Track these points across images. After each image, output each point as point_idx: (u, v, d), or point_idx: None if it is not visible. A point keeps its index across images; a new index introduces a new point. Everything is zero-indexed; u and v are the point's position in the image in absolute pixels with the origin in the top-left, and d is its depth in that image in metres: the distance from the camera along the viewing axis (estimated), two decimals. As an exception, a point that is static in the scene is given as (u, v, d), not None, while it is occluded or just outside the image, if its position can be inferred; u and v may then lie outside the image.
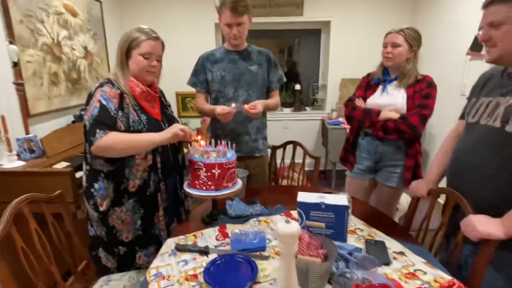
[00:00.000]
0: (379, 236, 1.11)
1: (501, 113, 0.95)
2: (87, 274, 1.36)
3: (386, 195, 1.63)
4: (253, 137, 1.73)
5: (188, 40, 3.58)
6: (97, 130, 1.14)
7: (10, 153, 1.72)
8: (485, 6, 0.97)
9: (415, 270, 0.92)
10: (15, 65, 1.87)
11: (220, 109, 1.50)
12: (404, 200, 2.13)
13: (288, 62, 4.76)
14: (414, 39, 1.50)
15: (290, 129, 3.93)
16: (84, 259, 1.34)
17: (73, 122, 2.49)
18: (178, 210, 1.48)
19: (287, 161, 2.12)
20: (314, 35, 4.01)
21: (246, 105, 1.52)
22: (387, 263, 0.95)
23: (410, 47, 1.50)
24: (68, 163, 1.87)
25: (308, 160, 2.00)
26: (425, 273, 0.91)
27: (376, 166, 1.63)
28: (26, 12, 2.06)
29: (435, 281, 0.88)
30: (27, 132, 1.99)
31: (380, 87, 1.60)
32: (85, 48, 2.78)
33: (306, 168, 2.14)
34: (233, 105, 1.51)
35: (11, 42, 1.87)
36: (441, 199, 1.19)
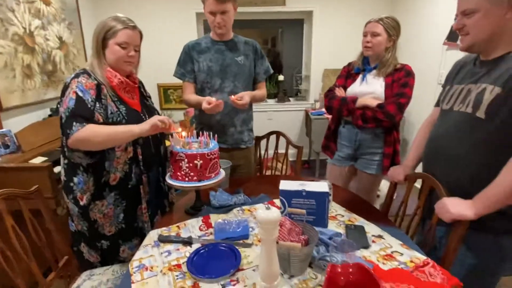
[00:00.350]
0: (359, 221, 1.15)
1: (472, 99, 0.98)
2: (69, 270, 1.34)
3: (366, 182, 1.67)
4: (239, 129, 1.73)
5: (169, 31, 3.49)
6: (74, 123, 1.11)
7: (-17, 148, 1.65)
8: None
9: (392, 252, 0.96)
10: (-16, 56, 1.77)
11: (205, 103, 1.46)
12: (385, 186, 2.19)
13: (271, 52, 4.75)
14: (393, 28, 1.53)
15: (274, 120, 3.94)
16: (65, 255, 1.32)
17: (49, 115, 2.41)
18: (162, 203, 1.47)
19: (271, 151, 2.14)
20: (297, 26, 4.00)
21: (233, 96, 1.51)
22: (366, 246, 0.98)
23: (389, 36, 1.53)
24: (45, 158, 1.81)
25: (292, 150, 2.01)
26: (401, 254, 0.95)
27: (355, 153, 1.67)
28: (-6, 0, 1.96)
29: (411, 261, 0.92)
30: (0, 127, 1.90)
31: (360, 76, 1.63)
32: (60, 38, 2.67)
33: (290, 159, 2.17)
34: (215, 98, 1.48)
35: (-22, 32, 1.77)
36: (418, 184, 1.24)
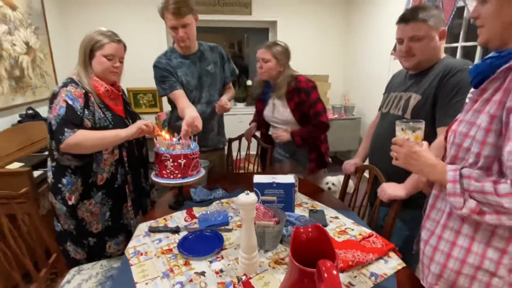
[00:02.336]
0: (320, 206, 1.38)
1: (402, 104, 1.25)
2: (57, 267, 1.42)
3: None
4: (216, 131, 1.88)
5: (137, 35, 3.54)
6: (65, 129, 1.21)
7: (-44, 155, 1.65)
8: (405, 22, 1.18)
9: (345, 229, 1.20)
10: (-46, 63, 1.77)
11: (183, 132, 1.41)
12: (337, 181, 2.46)
13: (238, 57, 4.92)
14: (280, 53, 1.72)
15: (244, 122, 4.12)
16: (54, 253, 1.39)
17: (19, 122, 2.39)
18: (145, 201, 1.60)
19: (242, 153, 2.32)
20: (263, 32, 4.24)
21: (217, 104, 1.67)
22: (325, 225, 1.21)
23: (278, 61, 1.72)
24: (22, 164, 1.84)
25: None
26: (352, 229, 1.19)
27: (291, 158, 1.94)
28: (-40, 6, 1.94)
29: (360, 234, 1.15)
30: (-29, 134, 1.89)
31: (264, 98, 1.89)
32: (27, 43, 2.65)
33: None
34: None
35: None
36: (367, 174, 1.50)
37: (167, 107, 3.82)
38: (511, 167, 0.64)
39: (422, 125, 0.90)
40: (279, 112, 1.79)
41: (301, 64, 4.22)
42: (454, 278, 0.77)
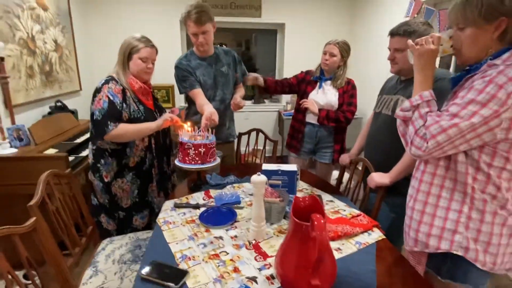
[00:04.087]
0: (318, 192, 1.60)
1: (391, 105, 1.47)
2: (92, 238, 1.66)
3: (322, 170, 2.17)
4: (228, 126, 2.12)
5: (153, 35, 3.72)
6: (109, 122, 1.46)
7: (4, 141, 1.90)
8: (392, 35, 1.43)
9: (338, 209, 1.42)
10: (2, 59, 2.01)
11: (203, 125, 1.64)
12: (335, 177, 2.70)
13: (245, 55, 5.12)
14: (345, 51, 2.01)
15: (251, 119, 4.35)
16: (90, 225, 1.64)
17: (49, 113, 2.64)
18: (166, 184, 1.84)
19: (250, 148, 2.55)
20: (270, 32, 4.44)
21: (232, 102, 1.91)
22: (322, 206, 1.43)
23: (342, 57, 2.00)
24: (56, 150, 2.09)
25: (268, 147, 2.45)
26: (344, 210, 1.41)
27: (314, 148, 2.16)
28: (4, 8, 2.18)
29: (350, 214, 1.38)
30: (13, 122, 2.14)
31: (318, 83, 2.11)
32: (55, 41, 2.90)
33: (266, 154, 2.60)
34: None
35: (-4, 38, 2.00)
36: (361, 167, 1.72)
37: (179, 103, 4.07)
38: (440, 114, 0.88)
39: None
40: (326, 95, 2.05)
41: (306, 65, 4.43)
42: (426, 240, 0.99)
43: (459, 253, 0.93)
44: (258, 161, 2.61)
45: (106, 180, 1.58)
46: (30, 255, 1.04)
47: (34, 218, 1.06)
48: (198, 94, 1.88)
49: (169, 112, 1.75)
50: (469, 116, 0.82)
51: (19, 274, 1.36)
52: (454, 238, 0.94)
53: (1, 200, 1.91)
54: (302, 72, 2.21)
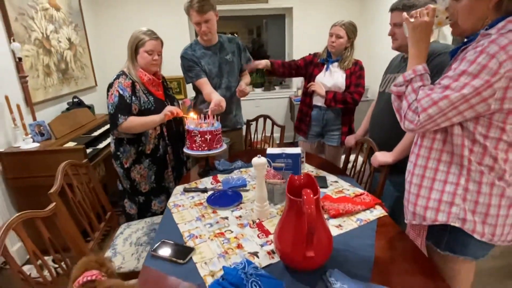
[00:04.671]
0: (323, 173, 1.63)
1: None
2: (111, 224, 1.77)
3: (331, 152, 2.18)
4: (235, 113, 2.16)
5: (162, 30, 3.79)
6: (119, 115, 1.55)
7: (27, 136, 2.04)
8: (392, 11, 1.42)
9: (342, 189, 1.44)
10: (20, 60, 2.13)
11: (212, 110, 1.71)
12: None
13: (256, 42, 5.10)
14: (352, 32, 1.98)
15: (261, 107, 4.37)
16: (108, 211, 1.75)
17: (67, 109, 2.78)
18: (182, 169, 1.92)
19: (259, 135, 2.59)
20: (280, 18, 4.39)
21: (237, 89, 1.96)
22: (325, 186, 1.46)
23: (349, 38, 1.98)
24: (75, 143, 2.21)
25: (277, 134, 2.48)
26: (348, 190, 1.43)
27: (322, 130, 2.16)
28: (19, 10, 2.29)
29: (353, 193, 1.40)
30: (34, 119, 2.28)
31: (325, 66, 2.10)
32: (69, 39, 3.01)
33: (276, 141, 2.63)
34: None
35: (13, 40, 2.12)
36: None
37: (190, 94, 4.14)
38: (432, 87, 0.89)
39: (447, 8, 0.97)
40: (333, 76, 2.04)
41: (316, 49, 4.37)
42: (423, 213, 1.00)
43: (456, 225, 0.94)
44: (267, 147, 2.66)
45: (125, 166, 1.71)
46: (57, 242, 1.14)
47: (54, 204, 1.16)
48: (204, 84, 1.92)
49: (181, 103, 1.82)
50: (460, 88, 0.82)
51: (48, 259, 1.48)
52: (451, 210, 0.95)
53: (27, 191, 2.06)
54: (310, 54, 2.21)
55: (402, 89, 0.96)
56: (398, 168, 1.43)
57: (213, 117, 1.67)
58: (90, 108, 2.94)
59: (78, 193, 1.49)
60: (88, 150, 2.19)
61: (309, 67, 2.16)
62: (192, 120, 1.63)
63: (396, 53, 1.60)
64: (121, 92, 1.57)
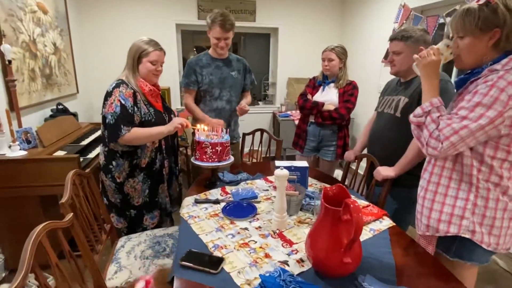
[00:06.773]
0: (326, 186, 1.71)
1: (394, 105, 1.60)
2: (110, 236, 1.70)
3: (325, 167, 2.29)
4: (233, 128, 2.22)
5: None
6: (122, 126, 1.50)
7: (14, 143, 1.91)
8: (391, 40, 1.58)
9: (349, 201, 1.53)
10: (9, 62, 2.01)
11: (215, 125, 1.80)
12: (339, 175, 2.83)
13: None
14: (342, 54, 2.15)
15: (246, 121, 4.41)
16: (108, 223, 1.68)
17: (50, 116, 2.64)
18: (173, 183, 1.89)
19: (248, 148, 2.64)
20: (260, 36, 4.55)
21: (238, 107, 2.05)
22: (333, 198, 1.54)
23: (340, 60, 2.14)
24: (65, 152, 2.10)
25: (270, 147, 2.55)
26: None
27: (318, 146, 2.28)
28: (8, 11, 2.18)
29: (360, 205, 1.49)
30: (19, 125, 2.14)
31: (321, 87, 2.23)
32: (54, 44, 2.89)
33: (266, 155, 2.70)
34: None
35: (4, 39, 2.01)
36: (365, 162, 1.84)
37: (174, 105, 4.10)
38: (450, 117, 1.00)
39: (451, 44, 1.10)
40: (328, 94, 2.18)
41: (299, 67, 4.60)
42: (437, 225, 1.11)
43: (467, 236, 1.06)
44: (255, 160, 2.72)
45: (118, 180, 1.63)
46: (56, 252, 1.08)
47: (71, 214, 1.11)
48: (189, 96, 2.12)
49: (188, 116, 1.81)
50: (477, 118, 0.95)
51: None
52: (462, 223, 1.06)
53: (12, 202, 1.91)
54: (310, 79, 2.35)
55: (422, 120, 1.07)
56: (397, 182, 1.55)
57: (222, 130, 1.70)
58: (75, 115, 2.81)
59: (82, 203, 1.43)
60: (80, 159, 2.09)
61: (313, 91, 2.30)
62: (202, 132, 1.65)
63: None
64: (122, 101, 1.52)
